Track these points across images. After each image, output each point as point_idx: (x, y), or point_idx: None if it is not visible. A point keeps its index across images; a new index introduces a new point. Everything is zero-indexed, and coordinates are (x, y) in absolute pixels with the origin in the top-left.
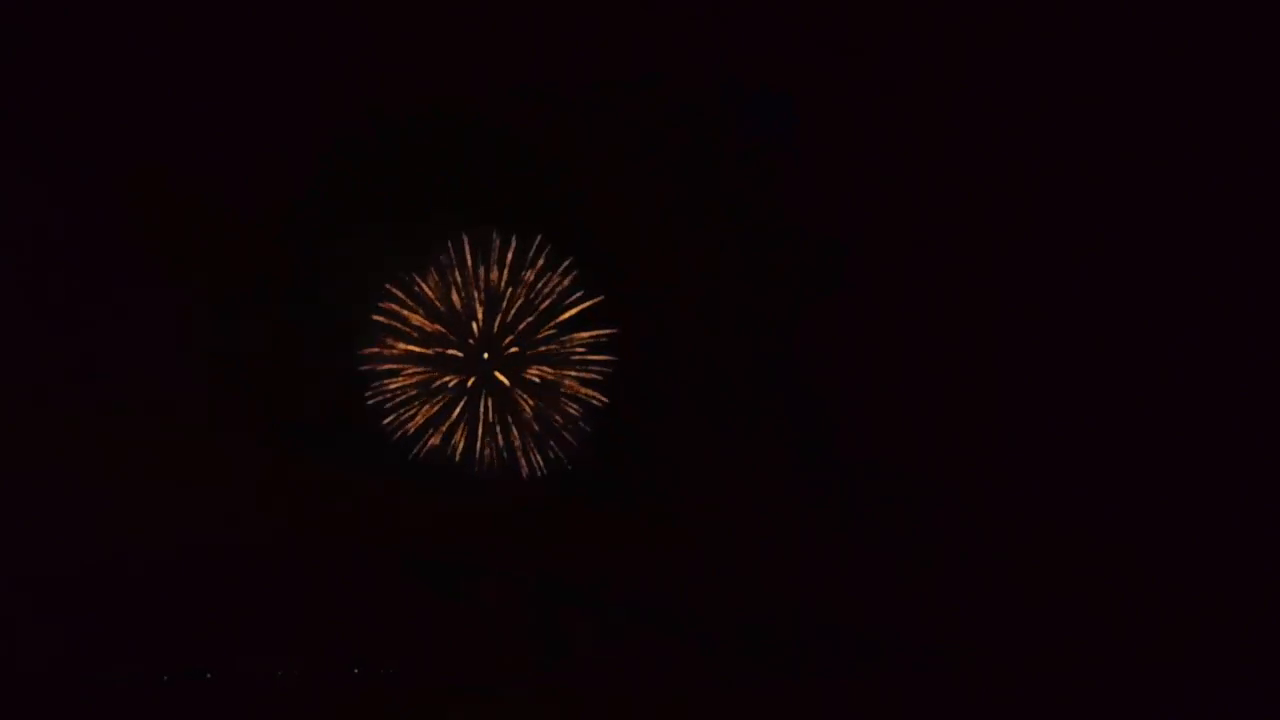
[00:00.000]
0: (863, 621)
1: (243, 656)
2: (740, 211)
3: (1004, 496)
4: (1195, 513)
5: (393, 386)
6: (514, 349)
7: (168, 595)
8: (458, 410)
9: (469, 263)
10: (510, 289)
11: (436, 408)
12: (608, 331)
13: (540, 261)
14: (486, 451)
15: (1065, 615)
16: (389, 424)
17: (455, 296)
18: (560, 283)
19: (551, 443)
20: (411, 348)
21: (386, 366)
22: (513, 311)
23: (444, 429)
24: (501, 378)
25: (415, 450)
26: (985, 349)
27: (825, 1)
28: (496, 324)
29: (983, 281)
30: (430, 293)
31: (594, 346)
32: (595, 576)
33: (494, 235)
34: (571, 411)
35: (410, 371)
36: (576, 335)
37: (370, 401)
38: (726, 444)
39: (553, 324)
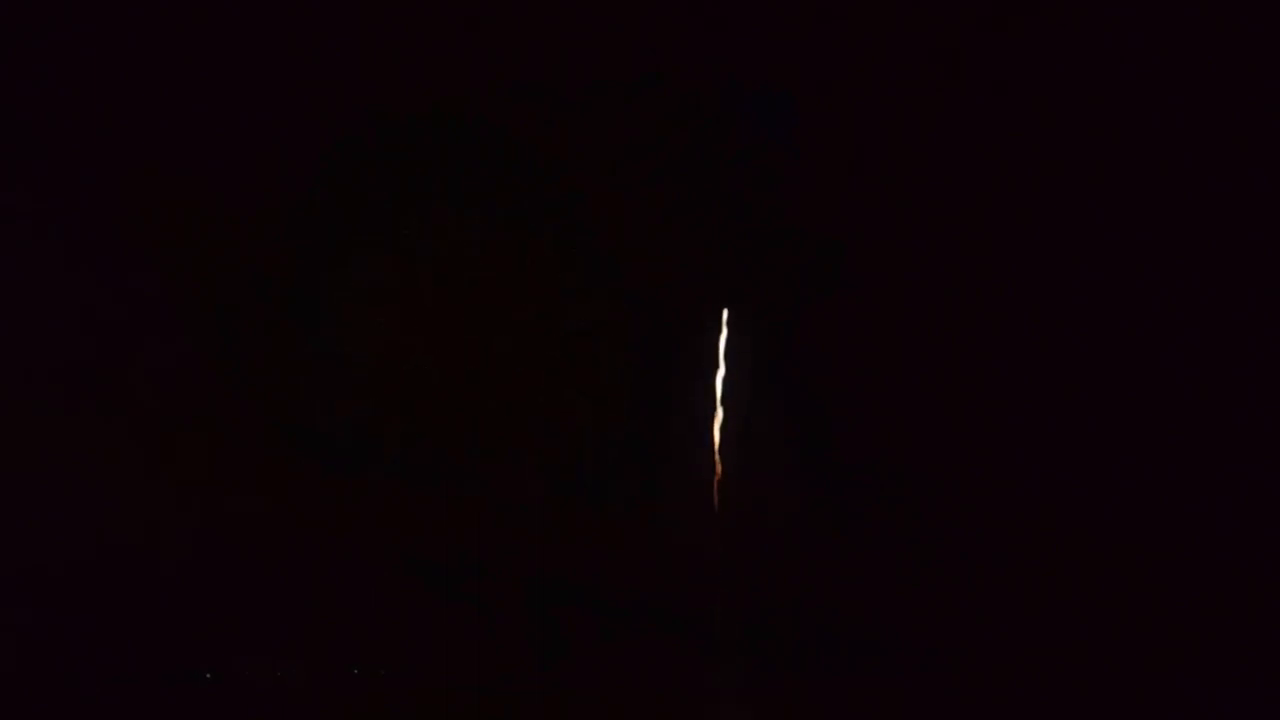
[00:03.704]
0: (863, 621)
1: (243, 656)
2: (740, 211)
3: (1004, 496)
4: (1195, 513)
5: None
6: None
7: (168, 595)
8: None
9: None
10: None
11: None
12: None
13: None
14: None
15: (1065, 615)
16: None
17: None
18: None
19: None
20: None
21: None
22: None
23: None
24: None
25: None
26: (985, 349)
27: (825, 1)
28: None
29: (983, 281)
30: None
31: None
32: (595, 576)
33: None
34: None
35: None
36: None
37: None
38: (727, 444)
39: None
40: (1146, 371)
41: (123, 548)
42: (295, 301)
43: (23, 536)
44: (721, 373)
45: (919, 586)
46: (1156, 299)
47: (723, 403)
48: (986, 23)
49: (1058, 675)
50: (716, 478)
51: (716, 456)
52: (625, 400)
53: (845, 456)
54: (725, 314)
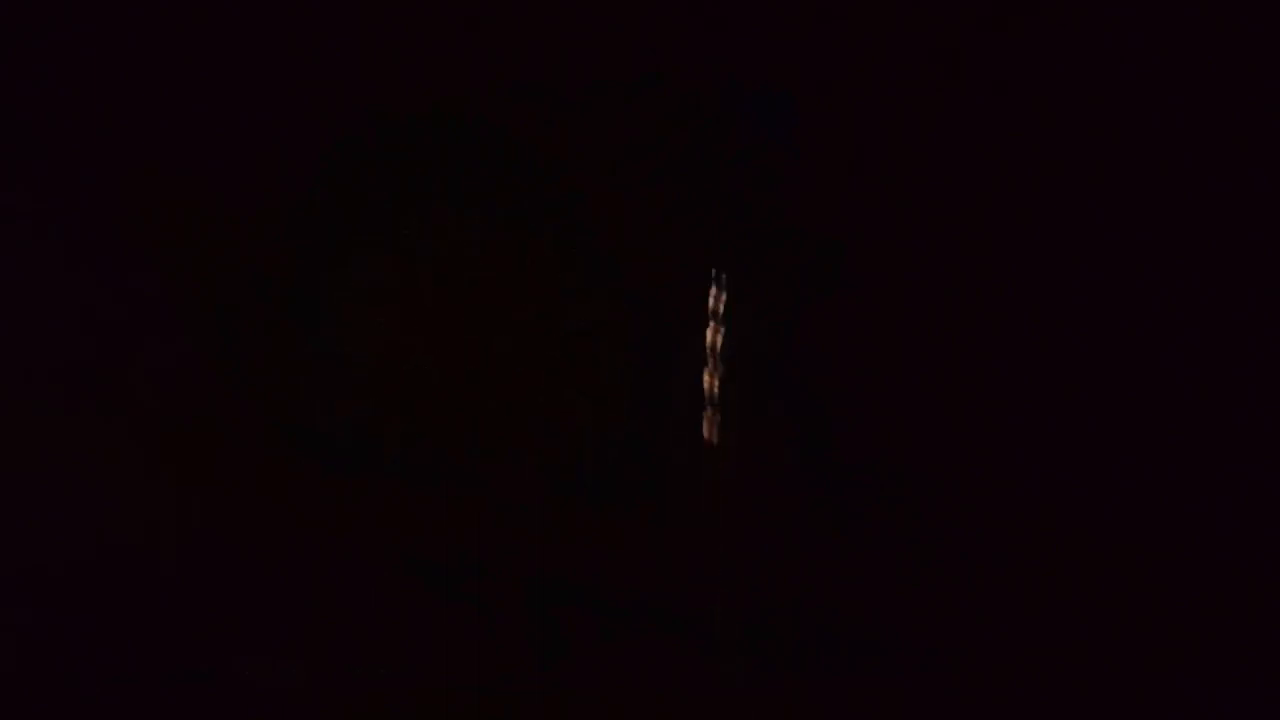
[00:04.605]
0: (863, 621)
1: (243, 656)
2: (740, 211)
3: (1004, 496)
4: (1195, 513)
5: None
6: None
7: (168, 595)
8: None
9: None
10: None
11: None
12: None
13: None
14: None
15: (1065, 615)
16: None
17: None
18: None
19: None
20: None
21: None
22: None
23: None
24: None
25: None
26: (985, 349)
27: (825, 1)
28: None
29: (983, 281)
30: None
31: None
32: (595, 576)
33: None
34: None
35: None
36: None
37: None
38: (727, 444)
39: None
40: (1146, 371)
41: (123, 548)
42: (295, 301)
43: (23, 536)
44: (720, 372)
45: (919, 586)
46: (1156, 299)
47: (722, 403)
48: (986, 23)
49: (1058, 675)
50: (716, 478)
51: (716, 456)
52: (625, 400)
53: (845, 456)
54: (723, 313)
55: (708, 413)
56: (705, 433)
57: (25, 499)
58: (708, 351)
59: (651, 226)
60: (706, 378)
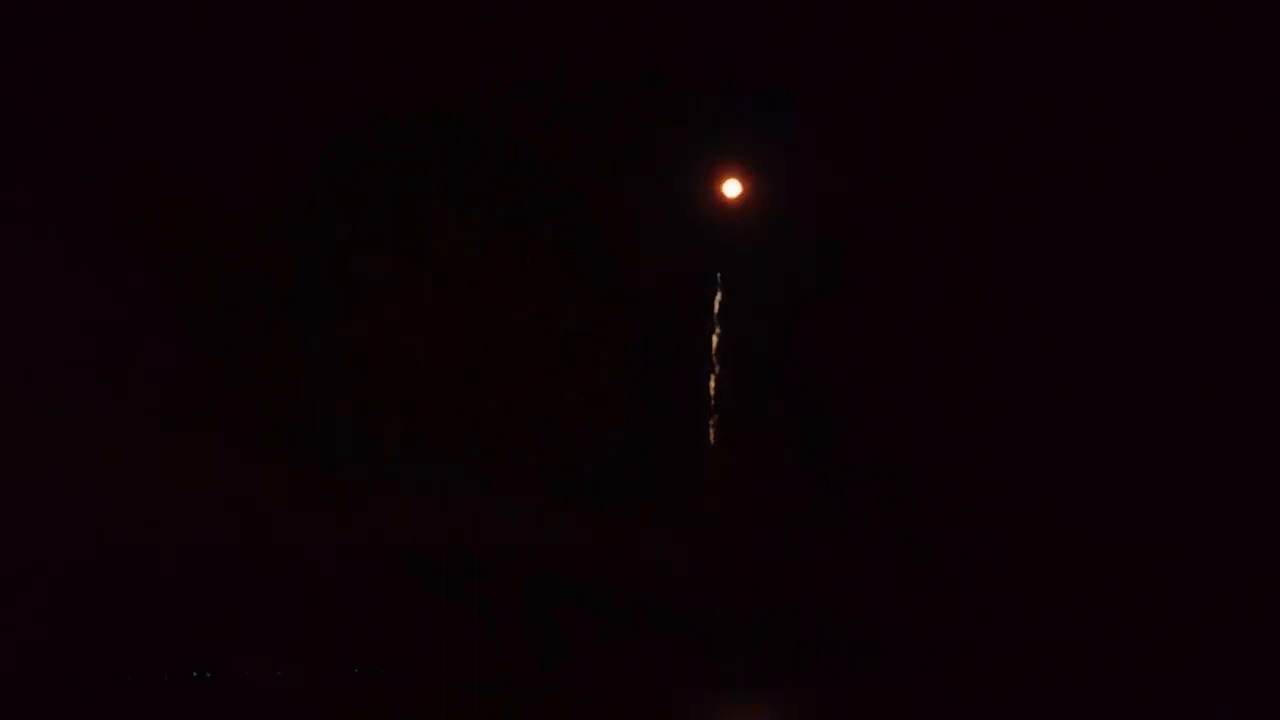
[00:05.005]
0: (863, 621)
1: (243, 656)
2: (740, 211)
3: (1004, 496)
4: (1195, 513)
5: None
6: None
7: (168, 595)
8: None
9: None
10: None
11: None
12: None
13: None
14: None
15: (1065, 615)
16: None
17: None
18: None
19: None
20: None
21: None
22: None
23: None
24: None
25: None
26: (985, 349)
27: (825, 1)
28: None
29: (983, 281)
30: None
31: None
32: (595, 576)
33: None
34: None
35: None
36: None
37: None
38: (727, 444)
39: None
40: (1146, 371)
41: (123, 548)
42: (295, 301)
43: (23, 536)
44: (720, 372)
45: (919, 586)
46: (1156, 299)
47: (722, 403)
48: (986, 23)
49: (1058, 675)
50: (716, 478)
51: (716, 457)
52: (625, 400)
53: (845, 456)
54: (723, 313)
55: (708, 413)
56: (705, 433)
57: (25, 499)
58: (707, 352)
59: (651, 226)
60: (706, 378)
